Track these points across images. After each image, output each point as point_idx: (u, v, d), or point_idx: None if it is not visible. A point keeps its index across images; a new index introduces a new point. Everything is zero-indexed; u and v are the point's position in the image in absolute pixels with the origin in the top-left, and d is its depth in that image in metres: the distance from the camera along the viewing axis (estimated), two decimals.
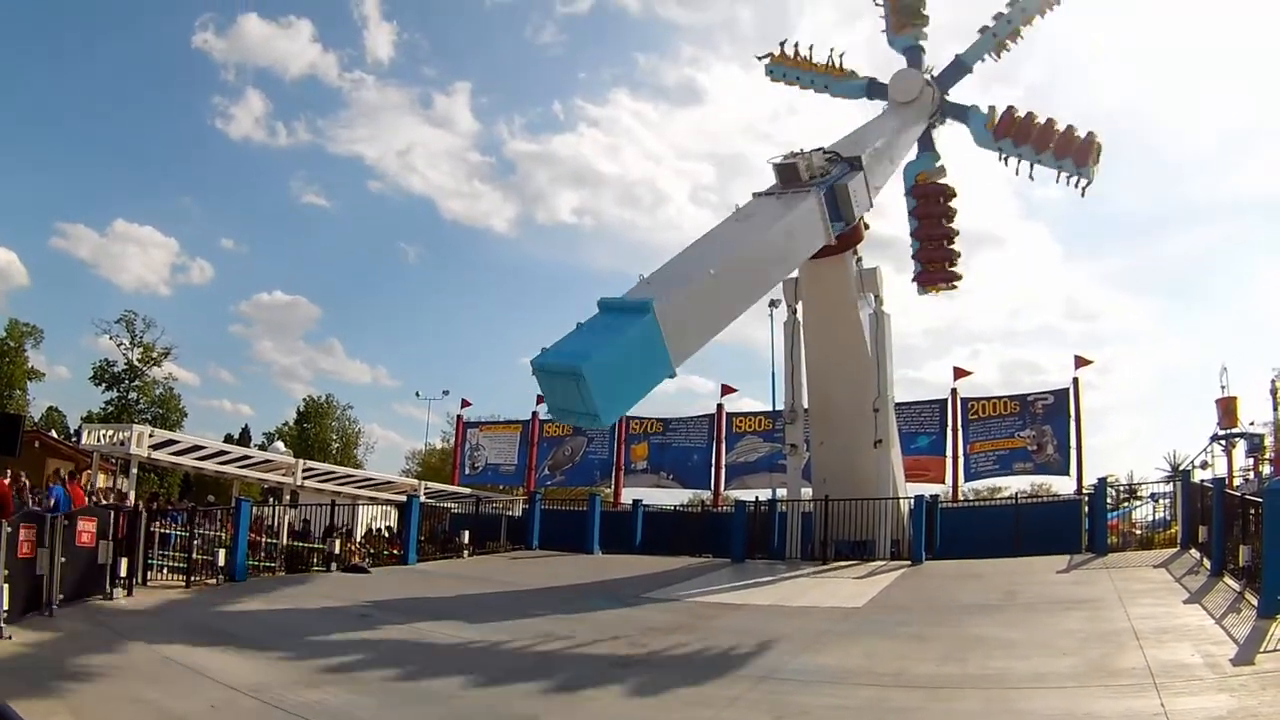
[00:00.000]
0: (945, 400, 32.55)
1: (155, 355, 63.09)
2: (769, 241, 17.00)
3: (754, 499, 27.83)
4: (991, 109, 23.50)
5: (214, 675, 10.38)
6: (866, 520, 22.04)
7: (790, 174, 18.72)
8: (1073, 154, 22.26)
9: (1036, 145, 22.54)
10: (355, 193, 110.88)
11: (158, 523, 19.41)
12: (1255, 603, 11.87)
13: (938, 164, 25.07)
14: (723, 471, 35.03)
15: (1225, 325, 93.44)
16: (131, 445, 22.50)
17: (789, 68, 26.77)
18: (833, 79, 26.04)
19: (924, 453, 32.06)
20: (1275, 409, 41.55)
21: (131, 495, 23.05)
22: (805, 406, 23.30)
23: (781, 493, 25.45)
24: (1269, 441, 40.54)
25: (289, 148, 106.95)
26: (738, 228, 17.37)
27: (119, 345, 62.09)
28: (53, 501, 18.77)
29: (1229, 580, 14.19)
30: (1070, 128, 22.46)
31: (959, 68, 24.64)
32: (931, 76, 24.48)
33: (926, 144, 25.04)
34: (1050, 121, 22.62)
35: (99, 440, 23.83)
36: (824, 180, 18.62)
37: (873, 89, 25.05)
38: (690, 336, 14.10)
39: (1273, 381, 43.03)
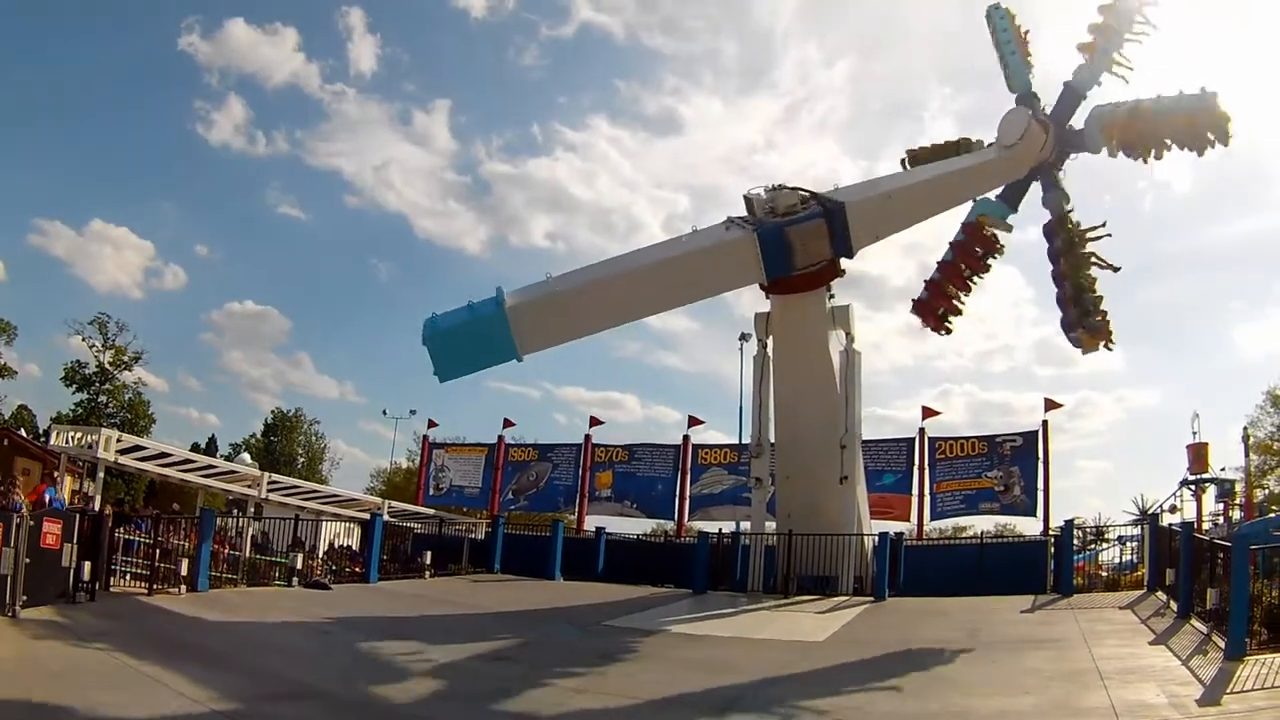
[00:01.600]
0: (913, 439, 32.73)
1: (126, 359, 62.24)
2: (680, 265, 18.15)
3: (717, 531, 27.95)
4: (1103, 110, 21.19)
5: (174, 686, 10.28)
6: (830, 555, 22.01)
7: (750, 207, 19.20)
8: (1194, 145, 19.88)
9: (1156, 146, 20.40)
10: (331, 206, 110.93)
11: (122, 528, 19.26)
12: (1222, 645, 12.04)
13: (1007, 217, 22.81)
14: (687, 502, 34.94)
15: (1198, 373, 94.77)
16: (99, 449, 22.27)
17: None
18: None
19: (889, 490, 32.13)
20: (1246, 455, 42.12)
21: (97, 500, 22.86)
22: (772, 441, 23.26)
23: (745, 525, 25.45)
24: (1239, 487, 41.03)
25: (267, 157, 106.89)
26: (665, 248, 18.03)
27: (91, 347, 61.20)
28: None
29: (1196, 623, 14.34)
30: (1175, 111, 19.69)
31: (1072, 95, 22.09)
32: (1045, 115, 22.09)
33: (1014, 195, 22.73)
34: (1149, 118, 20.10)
35: (68, 442, 23.59)
36: (780, 220, 18.84)
37: None
38: (548, 333, 17.20)
39: (1244, 429, 43.74)
